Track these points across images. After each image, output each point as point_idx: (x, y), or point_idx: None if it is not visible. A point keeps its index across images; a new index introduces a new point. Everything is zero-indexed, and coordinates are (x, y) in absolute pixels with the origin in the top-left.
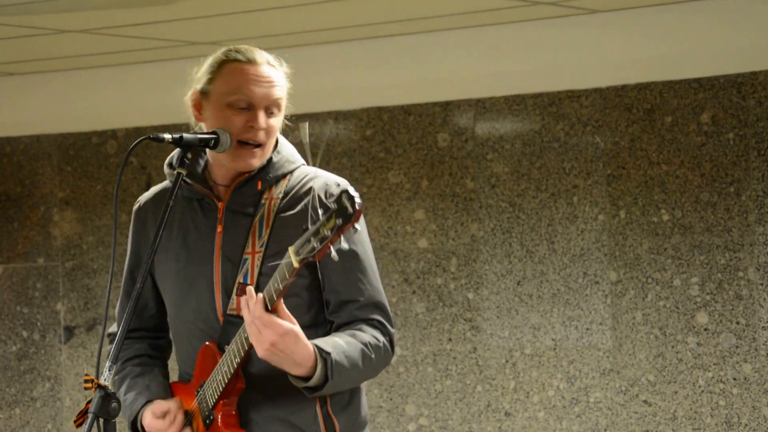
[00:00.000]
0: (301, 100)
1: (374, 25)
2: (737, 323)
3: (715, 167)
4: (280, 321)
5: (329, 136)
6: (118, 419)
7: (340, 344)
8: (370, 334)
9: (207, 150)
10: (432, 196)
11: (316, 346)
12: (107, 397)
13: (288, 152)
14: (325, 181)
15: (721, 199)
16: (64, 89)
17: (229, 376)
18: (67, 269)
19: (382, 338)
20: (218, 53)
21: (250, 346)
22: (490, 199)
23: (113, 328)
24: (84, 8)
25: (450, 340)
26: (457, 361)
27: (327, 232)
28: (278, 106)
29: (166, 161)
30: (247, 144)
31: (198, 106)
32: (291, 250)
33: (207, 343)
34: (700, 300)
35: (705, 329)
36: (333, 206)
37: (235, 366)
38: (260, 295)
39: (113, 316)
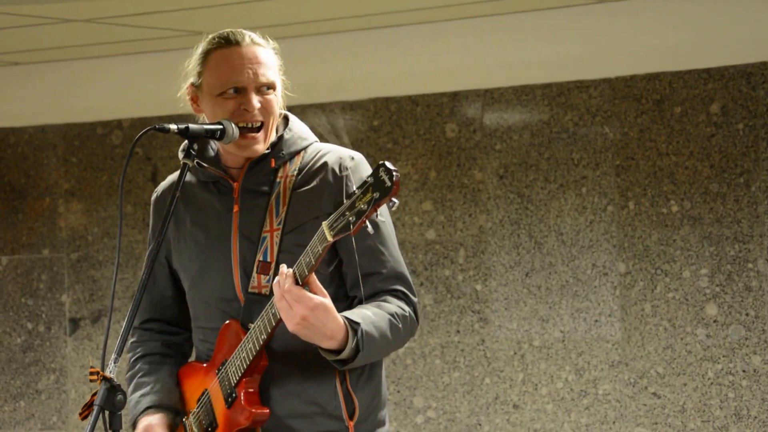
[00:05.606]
0: (309, 91)
1: (381, 15)
2: (747, 315)
3: (725, 158)
4: (310, 295)
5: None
6: (123, 411)
7: (368, 315)
8: (395, 305)
9: None
10: (440, 187)
11: (346, 317)
12: (113, 389)
13: (299, 129)
14: (339, 155)
15: (730, 190)
16: (68, 79)
17: (254, 353)
18: (73, 261)
19: (407, 308)
20: (204, 42)
21: (278, 322)
22: (499, 190)
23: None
24: None
25: (458, 332)
26: (465, 353)
27: (363, 206)
28: (270, 85)
29: (180, 149)
30: (247, 130)
31: (195, 99)
32: (325, 224)
33: (229, 321)
34: (710, 292)
35: (714, 321)
36: (369, 180)
37: (261, 342)
38: (291, 269)
39: (118, 308)
